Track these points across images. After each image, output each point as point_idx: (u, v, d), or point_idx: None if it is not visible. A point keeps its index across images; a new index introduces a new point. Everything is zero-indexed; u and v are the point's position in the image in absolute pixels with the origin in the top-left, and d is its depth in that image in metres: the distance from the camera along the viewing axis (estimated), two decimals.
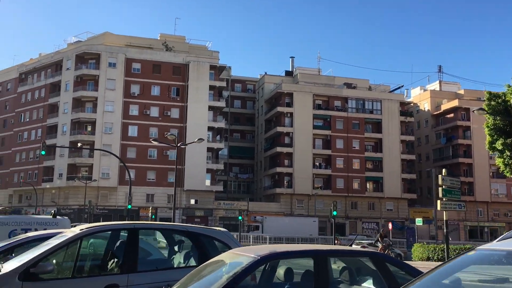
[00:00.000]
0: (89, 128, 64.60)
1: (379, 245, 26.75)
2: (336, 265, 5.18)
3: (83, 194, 61.30)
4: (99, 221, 59.63)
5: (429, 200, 68.12)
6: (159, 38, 73.37)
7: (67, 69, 66.38)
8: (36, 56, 78.78)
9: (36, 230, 9.12)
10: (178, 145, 34.50)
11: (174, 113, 66.61)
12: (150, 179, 65.16)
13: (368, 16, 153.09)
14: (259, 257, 4.54)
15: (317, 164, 70.44)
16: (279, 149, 68.88)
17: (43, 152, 32.23)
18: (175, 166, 65.58)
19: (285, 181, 69.28)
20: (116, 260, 5.81)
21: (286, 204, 68.82)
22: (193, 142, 36.89)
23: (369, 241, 36.21)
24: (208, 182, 66.34)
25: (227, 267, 4.74)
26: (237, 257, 4.86)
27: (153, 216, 45.25)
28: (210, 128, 66.84)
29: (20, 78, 73.97)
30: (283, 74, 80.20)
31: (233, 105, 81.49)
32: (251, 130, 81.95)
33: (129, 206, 32.90)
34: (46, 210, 63.45)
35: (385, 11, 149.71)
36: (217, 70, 69.95)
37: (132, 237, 5.91)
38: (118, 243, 6.00)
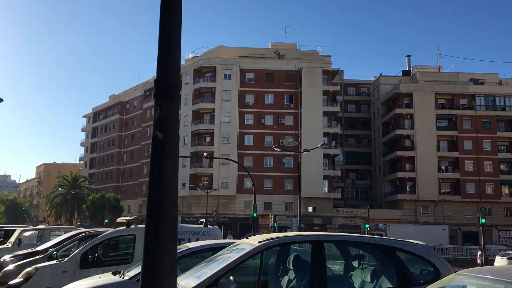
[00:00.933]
0: (207, 139, 66.89)
1: None
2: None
3: (205, 203, 63.50)
4: (222, 229, 61.20)
5: None
6: (270, 47, 74.03)
7: (186, 83, 69.62)
8: None
9: (189, 240, 8.68)
10: (301, 151, 33.47)
11: (289, 121, 66.40)
12: (267, 187, 65.46)
13: (489, 4, 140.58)
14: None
15: (443, 167, 65.32)
16: (399, 153, 65.17)
17: None
18: (293, 174, 65.58)
19: (407, 187, 65.25)
20: (300, 276, 4.91)
21: (410, 211, 64.67)
22: (315, 148, 35.71)
23: None
24: (325, 189, 64.88)
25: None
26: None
27: (275, 224, 44.82)
28: (325, 134, 65.41)
29: (144, 95, 79.38)
30: (400, 74, 76.07)
31: (347, 109, 79.17)
32: (367, 135, 78.91)
33: (255, 214, 32.69)
34: None
35: None
36: (330, 74, 68.47)
37: (317, 250, 4.98)
38: (301, 257, 5.12)
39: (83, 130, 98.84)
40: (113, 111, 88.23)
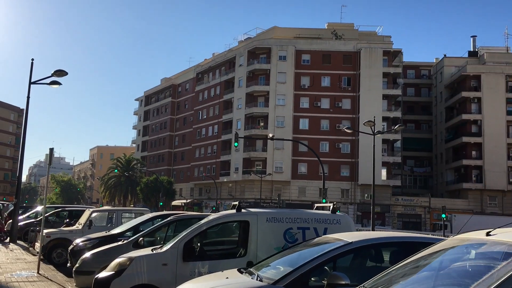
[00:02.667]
0: (261, 123, 65.24)
1: None
2: None
3: (258, 188, 62.16)
4: None
5: None
6: (326, 28, 71.07)
7: (240, 65, 68.05)
8: (209, 57, 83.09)
9: (315, 229, 6.86)
10: (373, 132, 30.93)
11: (346, 104, 63.70)
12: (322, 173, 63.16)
13: None
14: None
15: None
16: (465, 139, 61.13)
17: (236, 144, 31.92)
18: (350, 159, 63.03)
19: (473, 175, 61.27)
20: None
21: (475, 200, 60.81)
22: (387, 131, 33.01)
23: None
24: (384, 176, 61.92)
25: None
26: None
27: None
28: (384, 119, 62.25)
29: (197, 78, 78.54)
30: (465, 55, 71.27)
31: (406, 93, 75.20)
32: (427, 120, 74.83)
33: (324, 200, 30.64)
34: (224, 203, 66.06)
35: None
36: (391, 55, 64.99)
37: None
38: None
39: (135, 113, 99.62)
40: (165, 94, 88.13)
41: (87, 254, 9.97)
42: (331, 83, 64.22)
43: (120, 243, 9.79)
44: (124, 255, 7.53)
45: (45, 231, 14.64)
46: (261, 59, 66.08)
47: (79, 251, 12.08)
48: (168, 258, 6.84)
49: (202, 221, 7.29)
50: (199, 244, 7.03)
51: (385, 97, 62.80)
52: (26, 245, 18.40)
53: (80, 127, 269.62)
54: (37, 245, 16.38)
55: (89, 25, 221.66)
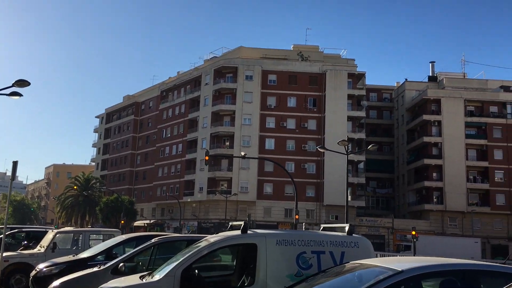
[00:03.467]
0: (227, 142, 64.54)
1: None
2: None
3: (223, 208, 61.04)
4: None
5: None
6: (292, 49, 71.76)
7: (206, 84, 67.42)
8: (174, 75, 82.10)
9: (331, 253, 6.17)
10: (347, 152, 30.86)
11: (311, 125, 64.01)
12: (288, 193, 62.90)
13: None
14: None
15: (471, 177, 62.57)
16: (426, 161, 62.50)
17: (205, 161, 30.97)
18: (315, 180, 63.04)
19: (434, 197, 62.50)
20: None
21: (437, 222, 61.93)
22: (358, 151, 33.10)
23: None
24: (349, 197, 62.09)
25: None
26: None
27: None
28: (349, 139, 62.80)
29: (161, 96, 77.26)
30: (426, 80, 73.49)
31: (369, 115, 76.56)
32: (389, 142, 76.26)
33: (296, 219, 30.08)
34: (187, 224, 64.45)
35: None
36: (355, 78, 66.12)
37: None
38: None
39: (95, 130, 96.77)
40: (128, 111, 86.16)
41: (56, 283, 8.83)
42: (297, 104, 64.51)
43: (95, 269, 8.77)
44: (109, 285, 6.60)
45: (4, 254, 13.31)
46: (228, 78, 65.77)
47: (43, 278, 10.92)
48: None
49: (202, 244, 6.44)
50: (196, 271, 6.22)
51: (349, 118, 63.60)
52: None
53: (34, 144, 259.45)
54: None
55: (46, 37, 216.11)
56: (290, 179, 63.03)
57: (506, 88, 66.06)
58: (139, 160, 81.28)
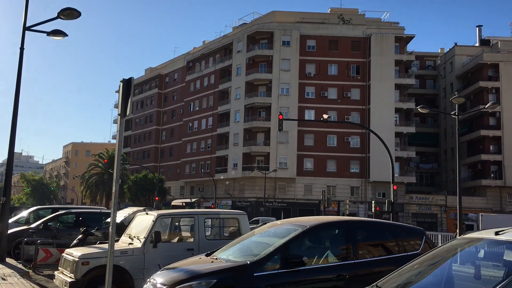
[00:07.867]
0: (263, 114, 59.48)
1: None
2: None
3: (260, 186, 56.48)
4: (280, 215, 53.99)
5: None
6: (329, 12, 65.82)
7: (238, 51, 62.06)
8: (199, 45, 76.69)
9: None
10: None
11: (355, 94, 58.63)
12: (330, 169, 58.00)
13: None
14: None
15: None
16: (483, 132, 56.92)
17: (279, 129, 25.80)
18: (360, 154, 58.00)
19: (491, 171, 57.11)
20: None
21: (494, 198, 56.68)
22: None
23: None
24: (397, 173, 57.03)
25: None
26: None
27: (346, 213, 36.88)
28: (397, 110, 57.60)
29: (187, 67, 72.11)
30: (476, 44, 67.24)
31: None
32: (433, 113, 70.45)
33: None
34: (220, 203, 60.00)
35: None
36: (403, 42, 60.32)
37: None
38: None
39: (116, 106, 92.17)
40: (151, 85, 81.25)
41: None
42: (339, 71, 59.07)
43: None
44: None
45: (76, 252, 8.46)
46: (262, 44, 60.36)
47: None
48: None
49: None
50: None
51: (397, 86, 58.09)
52: (22, 266, 12.06)
53: (50, 122, 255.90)
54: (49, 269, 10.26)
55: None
56: (332, 154, 58.46)
57: None
58: (164, 136, 76.64)
